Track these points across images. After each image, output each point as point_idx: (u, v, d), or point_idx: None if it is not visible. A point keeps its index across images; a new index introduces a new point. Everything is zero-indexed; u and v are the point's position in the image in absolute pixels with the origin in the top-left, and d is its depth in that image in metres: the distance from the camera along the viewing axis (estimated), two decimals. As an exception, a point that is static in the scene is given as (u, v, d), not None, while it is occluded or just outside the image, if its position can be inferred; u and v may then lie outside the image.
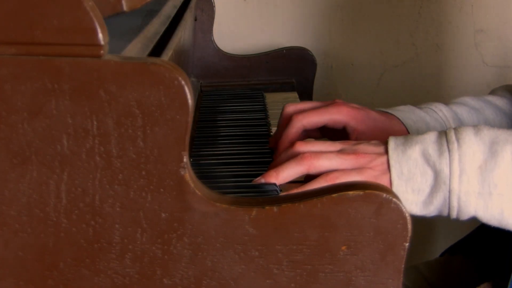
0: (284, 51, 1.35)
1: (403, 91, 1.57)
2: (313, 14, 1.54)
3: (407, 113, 0.89)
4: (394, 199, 0.56)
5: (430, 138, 0.70)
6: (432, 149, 0.69)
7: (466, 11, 1.52)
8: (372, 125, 0.85)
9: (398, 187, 0.69)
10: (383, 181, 0.70)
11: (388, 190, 0.57)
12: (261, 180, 0.72)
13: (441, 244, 1.57)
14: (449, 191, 0.68)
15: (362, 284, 0.57)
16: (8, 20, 0.50)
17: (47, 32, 0.50)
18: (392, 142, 0.71)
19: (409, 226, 0.56)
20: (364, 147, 0.73)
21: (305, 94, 1.33)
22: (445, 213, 0.69)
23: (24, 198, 0.54)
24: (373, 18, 1.54)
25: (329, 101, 0.88)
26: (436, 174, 0.68)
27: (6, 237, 0.55)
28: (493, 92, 1.00)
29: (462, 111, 0.92)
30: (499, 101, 0.95)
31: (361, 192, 0.55)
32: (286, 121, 0.85)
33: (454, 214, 0.69)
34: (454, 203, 0.68)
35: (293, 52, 1.35)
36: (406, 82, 1.56)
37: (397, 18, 1.54)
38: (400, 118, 0.87)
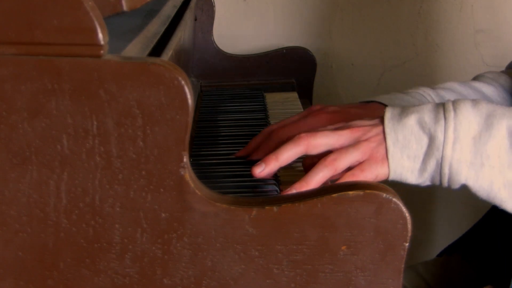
0: (284, 51, 1.34)
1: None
2: (313, 14, 1.54)
3: (395, 100, 0.89)
4: (394, 199, 0.56)
5: (427, 107, 0.71)
6: (428, 117, 0.69)
7: (466, 11, 1.52)
8: None
9: (394, 154, 0.69)
10: (380, 152, 0.70)
11: (388, 190, 0.57)
12: (262, 164, 0.72)
13: (439, 244, 1.57)
14: (442, 158, 0.68)
15: (362, 284, 0.57)
16: (8, 20, 0.50)
17: (47, 32, 0.50)
18: (388, 112, 0.72)
19: (409, 226, 0.56)
20: (358, 121, 0.73)
21: (305, 94, 1.33)
22: (437, 181, 0.70)
23: (24, 198, 0.54)
24: (373, 18, 1.54)
25: (306, 110, 0.88)
26: (431, 140, 0.68)
27: (6, 237, 0.55)
28: (477, 78, 1.00)
29: (450, 97, 0.92)
30: (486, 88, 0.95)
31: (361, 192, 0.55)
32: (267, 135, 0.85)
33: (445, 182, 0.69)
34: (446, 170, 0.68)
35: (293, 52, 1.34)
36: (406, 82, 1.56)
37: (397, 18, 1.53)
38: (389, 105, 0.87)
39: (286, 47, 1.36)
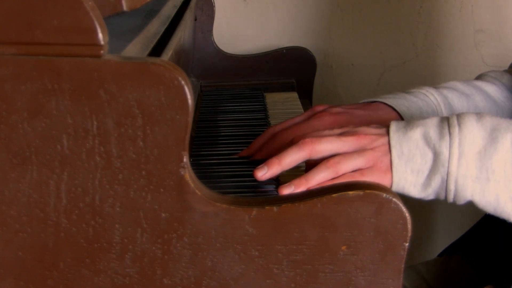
0: (284, 51, 1.34)
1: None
2: (313, 14, 1.54)
3: (399, 100, 0.89)
4: (394, 199, 0.56)
5: (432, 121, 0.71)
6: (433, 131, 0.69)
7: (466, 11, 1.52)
8: (358, 123, 0.84)
9: (398, 167, 0.69)
10: (384, 162, 0.70)
11: (388, 190, 0.57)
12: (264, 168, 0.71)
13: (439, 245, 1.57)
14: (447, 174, 0.68)
15: (362, 284, 0.57)
16: (8, 20, 0.50)
17: (47, 32, 0.50)
18: (393, 125, 0.72)
19: (409, 226, 0.56)
20: (364, 129, 0.73)
21: (305, 94, 1.33)
22: (442, 196, 0.69)
23: (24, 198, 0.54)
24: (373, 18, 1.54)
25: (309, 111, 0.88)
26: (436, 156, 0.68)
27: (6, 237, 0.55)
28: (480, 77, 0.99)
29: (453, 96, 0.91)
30: (489, 88, 0.95)
31: (361, 192, 0.55)
32: (271, 137, 0.85)
33: (451, 198, 0.69)
34: (451, 186, 0.68)
35: (293, 52, 1.34)
36: (406, 82, 1.56)
37: (397, 18, 1.53)
38: (392, 105, 0.87)
39: (286, 47, 1.36)
